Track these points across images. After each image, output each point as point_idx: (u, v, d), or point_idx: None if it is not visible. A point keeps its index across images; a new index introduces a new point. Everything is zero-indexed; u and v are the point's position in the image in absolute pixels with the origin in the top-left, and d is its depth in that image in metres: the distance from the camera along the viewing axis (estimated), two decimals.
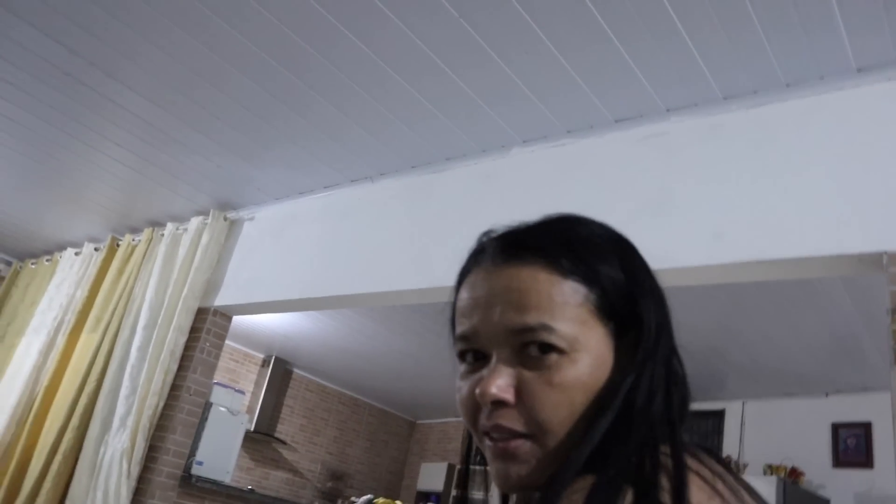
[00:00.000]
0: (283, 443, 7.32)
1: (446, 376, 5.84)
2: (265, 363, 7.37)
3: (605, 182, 2.71)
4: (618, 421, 0.56)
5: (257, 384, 7.18)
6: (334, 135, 3.25)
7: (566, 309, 0.59)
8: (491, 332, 0.61)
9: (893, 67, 2.18)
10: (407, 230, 3.25)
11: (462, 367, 0.64)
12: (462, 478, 0.72)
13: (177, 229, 4.20)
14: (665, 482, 0.49)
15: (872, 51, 2.19)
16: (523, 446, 0.59)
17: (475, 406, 0.61)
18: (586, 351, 0.59)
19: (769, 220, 2.24)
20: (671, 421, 0.58)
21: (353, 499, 6.00)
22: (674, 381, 0.61)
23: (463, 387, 0.63)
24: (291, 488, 7.39)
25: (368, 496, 5.55)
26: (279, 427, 7.36)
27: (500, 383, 0.59)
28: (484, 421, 0.61)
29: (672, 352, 0.63)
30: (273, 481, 7.27)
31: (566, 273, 0.60)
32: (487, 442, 0.61)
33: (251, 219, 4.02)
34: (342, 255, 3.44)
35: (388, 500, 5.39)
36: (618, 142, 2.75)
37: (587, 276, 0.61)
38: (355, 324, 5.90)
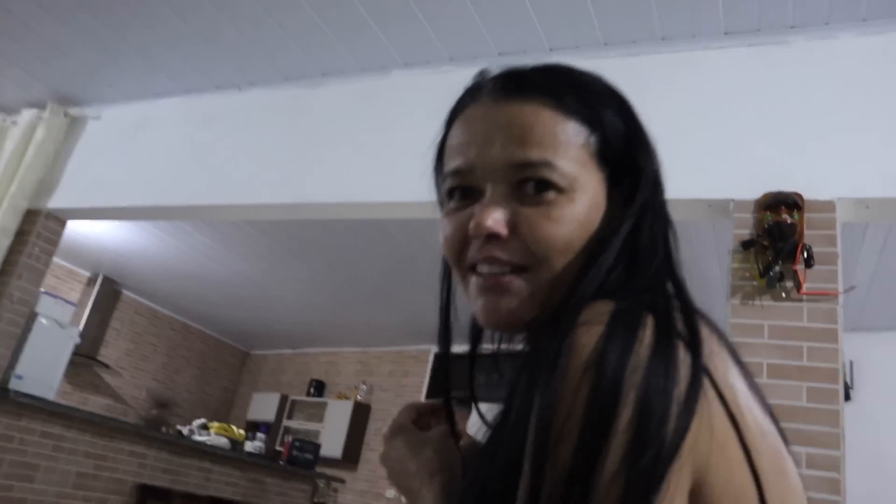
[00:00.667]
0: (107, 367, 6.88)
1: (288, 304, 5.74)
2: (91, 282, 6.84)
3: None
4: (620, 259, 0.58)
5: (81, 304, 6.65)
6: (204, 34, 3.02)
7: (569, 148, 0.59)
8: (489, 166, 0.59)
9: (755, 35, 2.40)
10: (276, 144, 3.13)
11: (449, 205, 0.63)
12: (444, 333, 0.69)
13: (3, 121, 3.74)
14: (676, 313, 0.52)
15: (740, 16, 2.39)
16: (515, 280, 0.58)
17: (462, 241, 0.60)
18: (584, 192, 0.59)
19: None
20: (672, 265, 0.60)
21: (178, 427, 5.81)
22: (671, 234, 0.63)
23: (448, 223, 0.62)
24: (112, 415, 6.99)
25: (202, 420, 5.40)
26: (103, 350, 6.89)
27: (497, 216, 0.58)
28: (473, 253, 0.60)
29: (666, 209, 0.64)
30: (92, 407, 6.82)
31: (570, 113, 0.60)
32: (474, 278, 0.61)
33: (97, 117, 3.67)
34: (202, 164, 3.25)
35: (222, 425, 5.29)
36: None
37: (591, 119, 0.61)
38: (196, 243, 5.60)
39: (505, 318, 0.59)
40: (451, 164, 0.62)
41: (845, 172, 2.18)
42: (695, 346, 0.49)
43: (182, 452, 4.56)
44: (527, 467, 0.46)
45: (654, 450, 0.44)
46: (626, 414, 0.44)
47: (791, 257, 2.01)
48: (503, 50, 2.80)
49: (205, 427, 5.20)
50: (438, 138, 0.66)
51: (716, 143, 2.32)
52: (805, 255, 2.01)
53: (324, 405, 7.54)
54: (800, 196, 2.13)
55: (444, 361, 0.69)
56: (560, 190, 0.58)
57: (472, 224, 0.58)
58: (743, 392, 0.52)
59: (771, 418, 0.55)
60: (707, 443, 0.46)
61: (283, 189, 2.98)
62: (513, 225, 0.58)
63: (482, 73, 0.66)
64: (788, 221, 2.06)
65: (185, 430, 5.26)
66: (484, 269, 0.59)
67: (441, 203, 0.65)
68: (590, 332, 0.48)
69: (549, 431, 0.45)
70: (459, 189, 0.62)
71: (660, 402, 0.45)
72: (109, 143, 3.57)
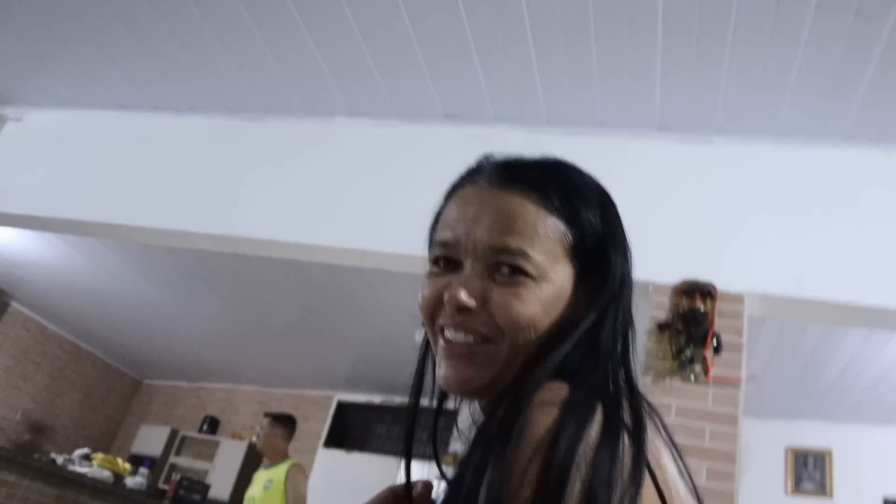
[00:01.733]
0: None
1: (191, 335, 5.51)
2: None
3: (426, 172, 2.81)
4: (579, 347, 0.63)
5: None
6: (148, 49, 2.96)
7: (545, 241, 0.65)
8: (471, 244, 0.65)
9: (685, 132, 2.58)
10: (208, 173, 3.08)
11: (433, 269, 0.69)
12: (416, 387, 0.73)
13: None
14: (625, 403, 0.57)
15: (674, 113, 2.56)
16: (477, 351, 0.64)
17: (437, 304, 0.66)
18: (552, 282, 0.65)
19: None
20: (626, 359, 0.66)
21: (53, 455, 5.42)
22: (630, 332, 0.69)
23: (428, 285, 0.68)
24: None
25: (85, 450, 5.07)
26: None
27: (470, 290, 0.64)
28: (445, 318, 0.65)
29: (630, 308, 0.70)
30: None
31: (552, 210, 0.66)
32: (441, 343, 0.66)
33: (18, 119, 3.50)
34: (128, 182, 3.15)
35: (108, 457, 4.99)
36: (444, 136, 2.88)
37: (570, 218, 0.67)
38: (104, 262, 5.34)
39: (464, 386, 0.65)
40: (441, 235, 0.69)
41: (754, 269, 2.35)
42: (638, 439, 0.54)
43: (60, 484, 4.26)
44: None
45: None
46: (571, 499, 0.47)
47: (702, 343, 2.13)
48: (450, 112, 2.88)
49: (87, 458, 4.87)
50: (437, 208, 0.73)
51: (641, 227, 2.45)
52: (715, 342, 2.14)
53: (216, 444, 7.23)
54: (713, 286, 2.27)
55: (411, 420, 0.71)
56: (530, 276, 0.64)
57: (447, 294, 0.65)
58: (672, 473, 0.57)
59: (696, 498, 0.60)
60: None
61: (208, 218, 2.93)
62: (483, 300, 0.64)
63: (485, 157, 0.72)
64: (702, 309, 2.19)
65: (59, 459, 4.91)
66: (450, 335, 0.65)
67: (430, 265, 0.71)
68: (544, 414, 0.52)
69: None
70: (444, 258, 0.68)
71: (604, 491, 0.48)
72: (28, 149, 3.42)
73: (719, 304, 2.25)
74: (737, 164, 2.54)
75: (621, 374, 0.63)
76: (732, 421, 2.13)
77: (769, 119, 2.48)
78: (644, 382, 2.16)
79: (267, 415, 4.10)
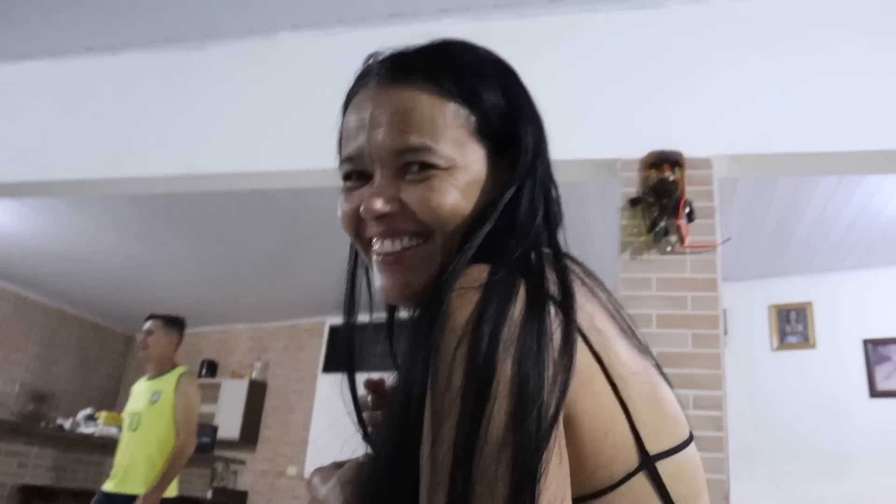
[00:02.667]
0: None
1: (172, 283, 5.44)
2: None
3: None
4: (500, 226, 0.61)
5: None
6: None
7: (447, 130, 0.62)
8: (374, 152, 0.63)
9: None
10: (156, 111, 2.96)
11: (346, 185, 0.67)
12: (349, 302, 0.71)
13: None
14: (550, 275, 0.56)
15: None
16: (413, 254, 0.63)
17: (357, 220, 0.65)
18: (464, 168, 0.63)
19: None
20: (551, 229, 0.65)
21: (60, 420, 5.47)
22: (552, 200, 0.67)
23: (345, 202, 0.66)
24: None
25: (88, 410, 5.11)
26: None
27: (384, 198, 0.62)
28: (371, 230, 0.64)
29: (549, 176, 0.68)
30: None
31: (449, 95, 0.63)
32: (374, 257, 0.65)
33: None
34: (74, 134, 3.02)
35: (111, 414, 5.03)
36: (391, 37, 2.75)
37: (469, 99, 0.64)
38: (67, 220, 5.21)
39: (403, 291, 0.64)
40: (346, 149, 0.66)
41: (720, 131, 2.32)
42: (566, 307, 0.53)
43: (68, 447, 4.30)
44: (424, 448, 0.48)
45: (537, 411, 0.47)
46: (503, 382, 0.47)
47: (674, 213, 2.13)
48: (393, 11, 2.76)
49: (91, 418, 4.91)
50: (338, 124, 0.69)
51: (602, 105, 2.41)
52: (687, 210, 2.13)
53: (217, 386, 7.31)
54: (680, 154, 2.25)
55: (349, 335, 0.72)
56: (441, 168, 0.62)
57: (362, 207, 0.63)
58: (610, 333, 0.56)
59: (647, 357, 0.60)
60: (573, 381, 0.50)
61: (165, 161, 2.83)
62: (400, 202, 0.62)
63: (372, 57, 0.68)
64: (671, 178, 2.18)
65: (67, 424, 4.95)
66: (378, 247, 0.64)
67: (343, 182, 0.68)
68: (464, 300, 0.51)
69: (430, 406, 0.48)
70: (354, 172, 0.66)
71: (534, 366, 0.48)
72: None
73: (688, 171, 2.24)
74: (690, 25, 2.46)
75: (545, 243, 0.62)
76: (712, 286, 2.16)
77: None
78: (622, 259, 2.17)
79: (155, 318, 3.56)
